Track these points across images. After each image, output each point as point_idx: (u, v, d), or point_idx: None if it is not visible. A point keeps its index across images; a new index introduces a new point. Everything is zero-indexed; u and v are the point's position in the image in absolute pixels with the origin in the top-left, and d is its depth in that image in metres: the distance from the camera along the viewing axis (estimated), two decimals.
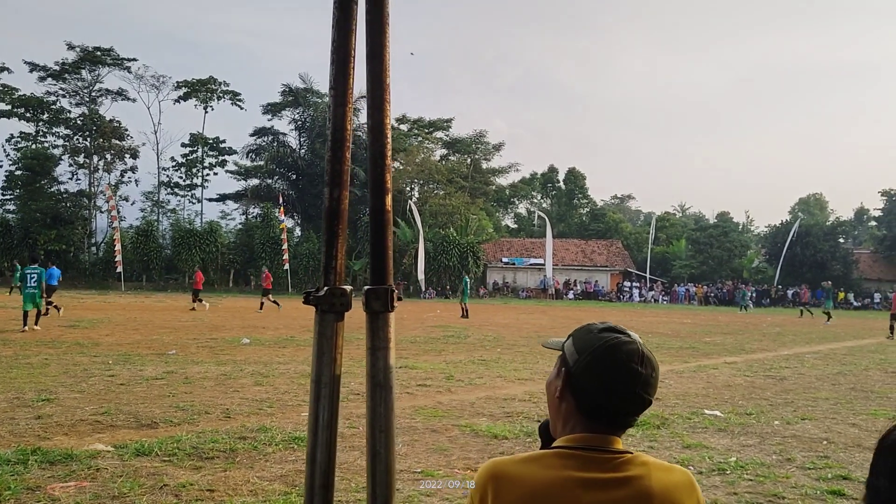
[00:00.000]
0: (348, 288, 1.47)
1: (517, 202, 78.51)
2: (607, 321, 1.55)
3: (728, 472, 6.19)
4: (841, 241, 61.98)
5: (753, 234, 77.54)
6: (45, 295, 18.53)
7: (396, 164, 55.56)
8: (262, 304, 28.57)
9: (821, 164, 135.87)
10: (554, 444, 1.50)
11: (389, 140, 1.49)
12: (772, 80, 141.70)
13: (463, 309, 28.79)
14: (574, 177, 74.40)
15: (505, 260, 59.19)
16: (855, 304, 53.71)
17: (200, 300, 28.64)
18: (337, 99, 1.44)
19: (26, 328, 17.00)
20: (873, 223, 71.73)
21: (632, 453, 1.47)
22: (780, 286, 55.09)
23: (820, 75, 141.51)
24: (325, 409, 1.42)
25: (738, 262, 60.67)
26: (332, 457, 1.44)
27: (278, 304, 28.50)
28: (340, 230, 1.46)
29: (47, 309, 22.02)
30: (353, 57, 1.45)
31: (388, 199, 1.49)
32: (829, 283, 36.72)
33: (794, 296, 54.82)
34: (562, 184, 75.59)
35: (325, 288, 1.44)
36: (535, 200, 78.78)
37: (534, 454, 1.45)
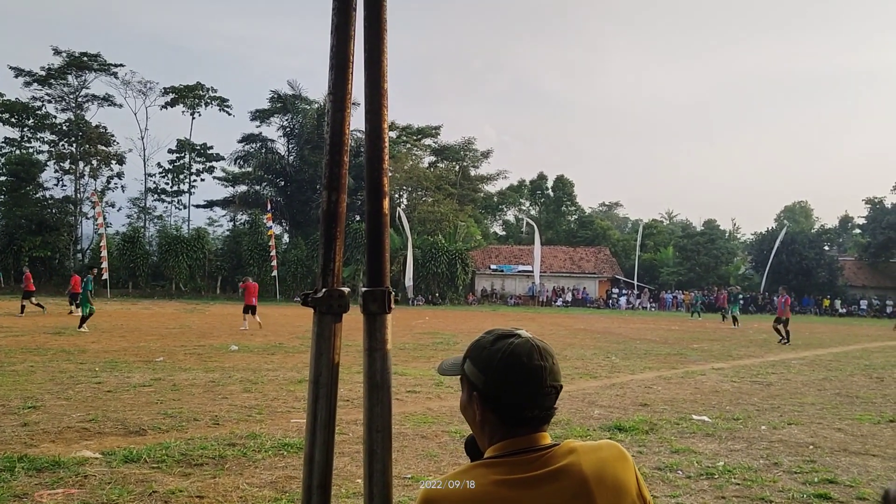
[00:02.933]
0: (346, 290, 1.48)
1: (505, 209, 78.71)
2: (495, 328, 1.58)
3: (716, 477, 6.23)
4: (826, 248, 62.62)
5: (740, 242, 78.07)
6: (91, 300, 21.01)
7: None
8: (22, 307, 26.60)
9: (806, 172, 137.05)
10: (484, 458, 1.52)
11: (387, 144, 1.52)
12: (757, 89, 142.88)
13: None
14: (562, 184, 74.64)
15: (493, 267, 59.25)
16: (841, 311, 54.18)
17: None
18: (336, 104, 1.47)
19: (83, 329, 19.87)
20: (858, 231, 72.45)
21: (559, 444, 1.50)
22: (766, 293, 55.45)
23: (805, 84, 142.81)
24: (324, 410, 1.44)
25: (725, 269, 61.08)
26: (329, 457, 1.46)
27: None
28: (338, 233, 1.48)
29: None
30: (352, 62, 1.47)
31: (386, 203, 1.51)
32: (738, 288, 37.43)
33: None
34: (550, 191, 75.80)
35: (324, 289, 1.46)
36: (524, 208, 79.00)
37: (460, 470, 1.47)
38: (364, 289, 1.50)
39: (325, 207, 1.48)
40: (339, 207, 1.48)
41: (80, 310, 26.64)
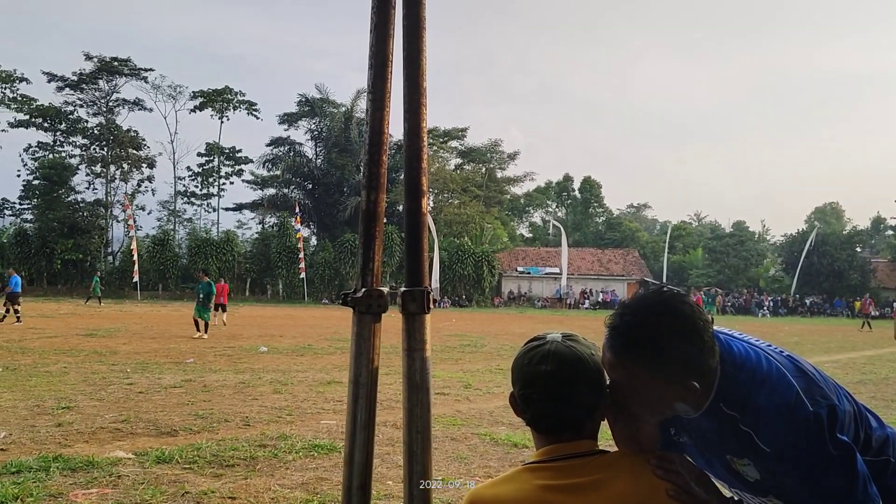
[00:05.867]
0: (385, 289, 1.48)
1: (532, 211, 78.47)
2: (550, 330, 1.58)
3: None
4: (858, 250, 61.55)
5: (770, 244, 77.04)
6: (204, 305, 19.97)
7: None
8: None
9: (837, 172, 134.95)
10: (525, 462, 1.52)
11: (426, 143, 1.50)
12: (787, 90, 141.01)
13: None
14: (589, 185, 74.28)
15: (520, 269, 59.03)
16: (874, 313, 53.18)
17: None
18: (375, 103, 1.46)
19: (196, 335, 19.03)
20: (890, 232, 71.12)
21: (607, 452, 1.49)
22: (797, 295, 54.64)
23: (837, 85, 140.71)
24: (364, 410, 1.43)
25: (755, 271, 60.32)
26: (369, 458, 1.45)
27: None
28: (377, 232, 1.47)
29: (3, 315, 22.03)
30: (391, 61, 1.47)
31: (425, 202, 1.50)
32: (715, 289, 37.15)
33: (811, 304, 54.43)
34: (577, 193, 75.47)
35: (363, 289, 1.45)
36: (550, 209, 78.69)
37: (507, 474, 1.48)
38: (403, 289, 1.49)
39: (364, 207, 1.47)
40: (378, 207, 1.47)
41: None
